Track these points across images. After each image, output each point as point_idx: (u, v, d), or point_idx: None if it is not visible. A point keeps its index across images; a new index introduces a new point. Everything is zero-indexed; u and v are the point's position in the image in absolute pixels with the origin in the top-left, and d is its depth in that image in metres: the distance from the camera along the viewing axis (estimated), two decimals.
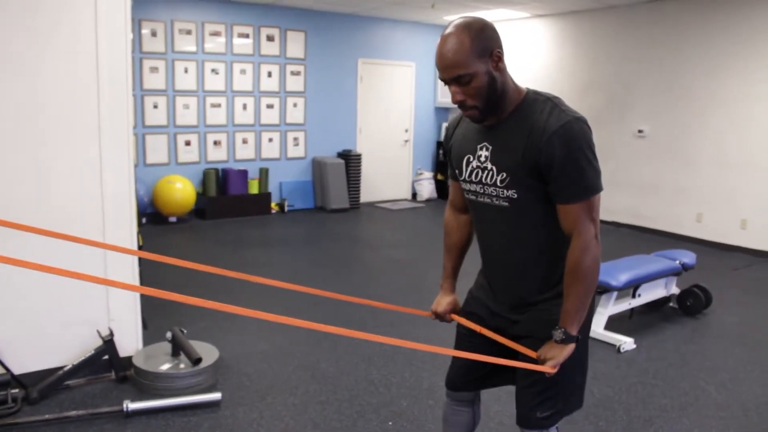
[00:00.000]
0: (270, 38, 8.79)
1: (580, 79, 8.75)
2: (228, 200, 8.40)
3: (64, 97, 3.24)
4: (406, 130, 10.45)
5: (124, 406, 3.13)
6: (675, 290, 5.07)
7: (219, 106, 8.54)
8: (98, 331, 3.47)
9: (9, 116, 3.13)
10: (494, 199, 1.83)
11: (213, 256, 6.38)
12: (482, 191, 1.86)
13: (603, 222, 8.24)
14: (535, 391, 1.90)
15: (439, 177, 10.59)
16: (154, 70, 7.97)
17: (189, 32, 8.14)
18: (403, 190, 10.59)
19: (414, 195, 10.64)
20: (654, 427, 3.23)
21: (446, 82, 1.73)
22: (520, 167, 1.74)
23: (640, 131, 8.05)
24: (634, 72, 8.07)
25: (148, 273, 4.86)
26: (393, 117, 10.26)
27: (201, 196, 8.30)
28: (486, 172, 1.83)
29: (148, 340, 3.80)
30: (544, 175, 1.72)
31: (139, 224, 4.65)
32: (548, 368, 1.78)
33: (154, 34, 7.90)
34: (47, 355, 3.41)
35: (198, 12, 8.18)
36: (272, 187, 9.06)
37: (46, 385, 3.28)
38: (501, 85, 1.73)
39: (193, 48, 8.20)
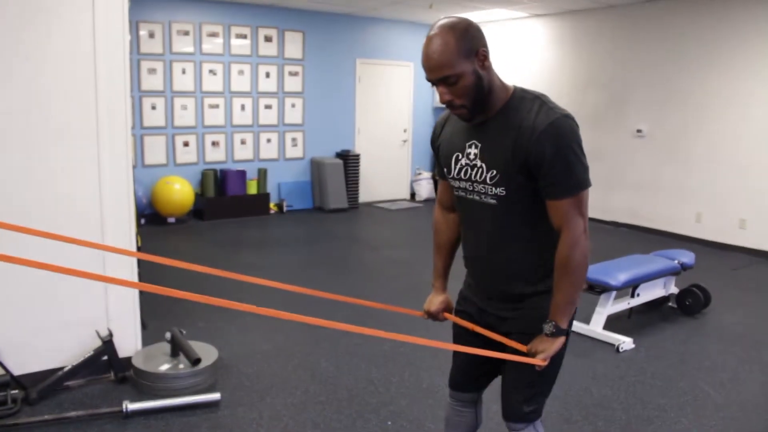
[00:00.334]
0: (268, 39, 8.79)
1: (578, 78, 8.76)
2: (226, 201, 8.40)
3: (62, 99, 3.23)
4: (405, 130, 10.45)
5: (124, 406, 3.13)
6: (674, 290, 5.07)
7: (217, 106, 8.54)
8: (97, 332, 3.47)
9: (7, 118, 3.12)
10: (483, 196, 1.85)
11: (211, 257, 6.38)
12: (471, 188, 1.87)
13: (602, 222, 8.25)
14: (522, 386, 1.94)
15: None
16: (152, 71, 7.97)
17: (187, 33, 8.14)
18: (401, 190, 10.59)
19: (412, 195, 10.65)
20: (653, 427, 3.23)
21: (433, 82, 1.74)
22: (510, 164, 1.75)
23: (638, 131, 8.06)
24: (633, 72, 8.08)
25: (147, 274, 4.86)
26: (391, 117, 10.26)
27: (199, 196, 8.29)
28: (475, 169, 1.84)
29: (147, 340, 3.80)
30: (534, 172, 1.74)
31: (138, 225, 4.65)
32: (539, 361, 1.82)
33: (151, 35, 7.90)
34: (46, 356, 3.40)
35: (195, 13, 8.18)
36: (271, 188, 9.05)
37: (46, 385, 3.27)
38: (488, 84, 1.74)
39: (190, 49, 8.20)
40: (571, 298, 1.81)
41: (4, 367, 3.23)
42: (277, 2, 8.45)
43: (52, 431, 3.00)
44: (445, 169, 1.97)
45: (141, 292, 3.90)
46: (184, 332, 3.76)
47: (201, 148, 8.50)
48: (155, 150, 8.15)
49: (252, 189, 8.68)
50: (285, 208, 9.08)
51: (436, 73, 1.70)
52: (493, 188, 1.81)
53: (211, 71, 8.40)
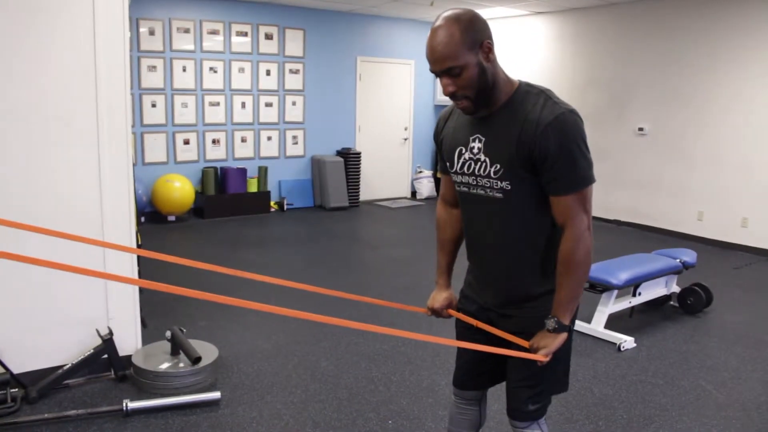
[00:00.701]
0: (268, 36, 8.77)
1: (580, 76, 8.74)
2: (227, 199, 8.39)
3: (62, 97, 3.22)
4: (405, 128, 10.43)
5: (124, 405, 3.12)
6: (675, 289, 5.06)
7: (217, 104, 8.53)
8: (97, 330, 3.46)
9: (7, 115, 3.11)
10: (487, 190, 1.83)
11: (212, 255, 6.37)
12: (475, 183, 1.86)
13: (604, 220, 8.24)
14: (527, 385, 1.94)
15: (439, 175, 10.55)
16: (152, 68, 7.95)
17: (187, 31, 8.12)
18: (402, 188, 10.58)
19: (413, 193, 10.64)
20: (654, 426, 3.22)
21: (437, 74, 1.73)
22: (514, 159, 1.74)
23: (640, 129, 8.04)
24: (635, 70, 8.06)
25: (147, 272, 4.86)
26: (392, 115, 10.25)
27: (200, 194, 8.28)
28: (479, 163, 1.82)
29: (147, 339, 3.80)
30: (538, 167, 1.72)
31: (138, 223, 4.64)
32: (541, 357, 1.81)
33: (152, 32, 7.88)
34: (46, 355, 3.40)
35: (196, 10, 8.16)
36: (271, 186, 9.04)
37: (46, 384, 3.27)
38: (492, 77, 1.73)
39: (191, 46, 8.19)
40: (574, 294, 1.80)
41: (4, 366, 3.22)
42: (277, 0, 8.43)
43: (52, 430, 3.00)
44: (448, 164, 1.95)
45: (141, 291, 3.89)
46: (185, 331, 3.75)
47: (201, 145, 8.49)
48: (155, 148, 8.14)
49: (252, 187, 8.67)
50: (285, 207, 9.07)
51: (440, 64, 1.69)
52: (498, 182, 1.79)
53: (211, 69, 8.38)
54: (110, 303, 3.53)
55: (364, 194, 9.90)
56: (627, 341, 4.25)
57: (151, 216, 7.96)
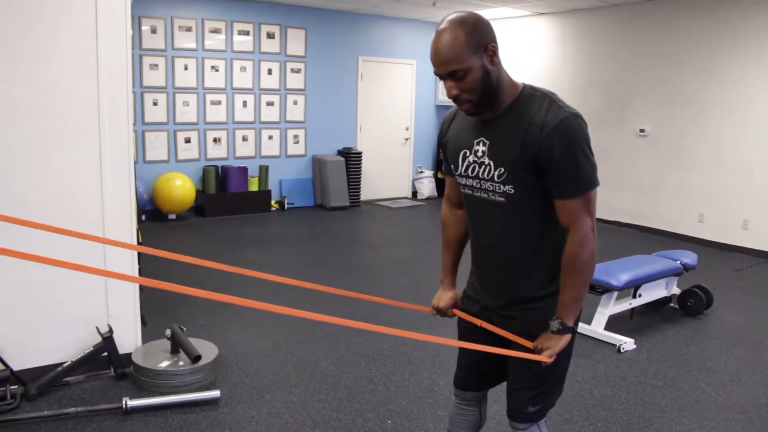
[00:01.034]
0: (270, 35, 8.77)
1: (581, 78, 8.74)
2: (227, 198, 8.39)
3: (64, 95, 3.22)
4: (407, 128, 10.43)
5: (123, 403, 3.12)
6: (676, 290, 5.06)
7: (219, 103, 8.53)
8: (97, 328, 3.46)
9: (9, 113, 3.11)
10: (491, 194, 1.83)
11: (212, 254, 6.37)
12: (479, 186, 1.86)
13: (604, 222, 8.24)
14: (528, 386, 1.94)
15: (440, 175, 10.56)
16: (153, 67, 7.95)
17: (189, 29, 8.13)
18: (403, 188, 10.57)
19: (414, 193, 10.64)
20: (654, 428, 3.22)
21: (441, 77, 1.73)
22: (519, 162, 1.74)
23: (641, 131, 8.04)
24: (636, 71, 8.05)
25: (148, 270, 4.86)
26: (393, 115, 10.25)
27: (200, 193, 8.28)
28: (483, 167, 1.83)
29: (147, 337, 3.80)
30: (543, 171, 1.73)
31: (139, 221, 4.64)
32: (545, 358, 1.81)
33: (153, 30, 7.88)
34: (46, 352, 3.40)
35: (198, 9, 8.17)
36: (272, 185, 9.04)
37: (45, 381, 3.27)
38: (496, 80, 1.73)
39: (193, 45, 8.19)
40: (578, 296, 1.81)
41: (4, 363, 3.22)
42: None
43: (51, 427, 3.00)
44: (453, 166, 1.95)
45: (141, 289, 3.89)
46: (185, 329, 3.75)
47: (202, 144, 8.49)
48: (156, 146, 8.14)
49: (253, 186, 8.67)
50: (286, 206, 9.07)
51: (445, 67, 1.69)
52: (502, 186, 1.79)
53: (213, 67, 8.38)
54: (110, 301, 3.53)
55: (365, 194, 9.90)
56: (627, 343, 4.24)
57: (151, 214, 7.96)
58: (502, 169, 1.78)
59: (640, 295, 4.68)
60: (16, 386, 3.21)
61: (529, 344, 1.88)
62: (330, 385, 3.56)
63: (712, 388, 3.72)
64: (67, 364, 3.35)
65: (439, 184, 10.53)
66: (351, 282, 5.66)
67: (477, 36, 1.67)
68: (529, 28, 9.35)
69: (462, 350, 2.16)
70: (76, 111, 3.26)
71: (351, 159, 9.38)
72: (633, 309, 4.76)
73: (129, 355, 3.56)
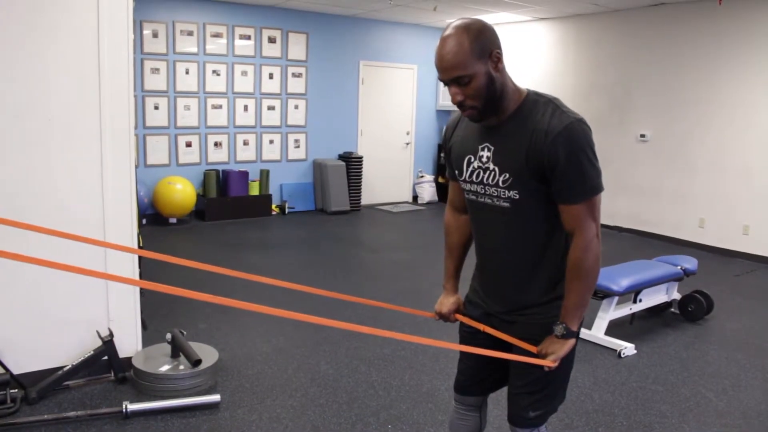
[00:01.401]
0: (271, 40, 8.79)
1: (582, 83, 8.75)
2: (228, 202, 8.39)
3: (66, 98, 3.23)
4: (408, 133, 10.44)
5: (124, 407, 3.12)
6: (676, 296, 5.05)
7: (220, 107, 8.54)
8: (98, 332, 3.46)
9: (11, 116, 3.12)
10: (495, 199, 1.84)
11: (213, 258, 6.37)
12: (483, 191, 1.87)
13: (605, 227, 8.24)
14: (529, 391, 1.94)
15: (440, 180, 10.58)
16: (155, 71, 7.97)
17: (190, 33, 8.14)
18: (404, 192, 10.58)
19: (415, 198, 10.64)
20: None
21: (446, 83, 1.73)
22: (523, 168, 1.75)
23: (642, 136, 8.05)
24: (636, 76, 8.07)
25: (149, 274, 4.86)
26: (394, 119, 10.26)
27: (201, 197, 8.29)
28: (488, 172, 1.83)
29: (147, 341, 3.79)
30: (547, 176, 1.73)
31: (140, 225, 4.64)
32: (549, 362, 1.82)
33: (155, 35, 7.90)
34: (46, 356, 3.40)
35: (199, 13, 8.19)
36: (273, 189, 9.05)
37: (45, 385, 3.27)
38: (500, 86, 1.73)
39: (194, 49, 8.20)
40: (583, 301, 1.82)
41: (4, 366, 3.22)
42: (281, 3, 8.45)
43: (51, 431, 3.00)
44: (457, 172, 1.96)
45: (142, 293, 3.89)
46: (185, 333, 3.75)
47: (203, 148, 8.50)
48: (158, 150, 8.15)
49: (254, 190, 8.68)
50: (287, 210, 9.07)
51: (449, 73, 1.69)
52: (506, 191, 1.80)
53: (214, 72, 8.40)
54: (111, 305, 3.53)
55: (366, 198, 9.90)
56: (627, 348, 4.24)
57: (152, 218, 7.96)
58: (507, 175, 1.78)
59: (640, 300, 4.68)
60: (16, 390, 3.21)
61: (533, 348, 1.88)
62: (330, 390, 3.56)
63: (713, 393, 3.71)
64: (68, 367, 3.34)
65: (440, 189, 10.54)
66: (351, 285, 5.66)
67: (482, 42, 1.68)
68: (530, 34, 9.36)
69: (462, 355, 2.16)
70: (78, 115, 3.27)
71: (352, 163, 9.39)
72: (633, 314, 4.75)
73: (129, 359, 3.56)
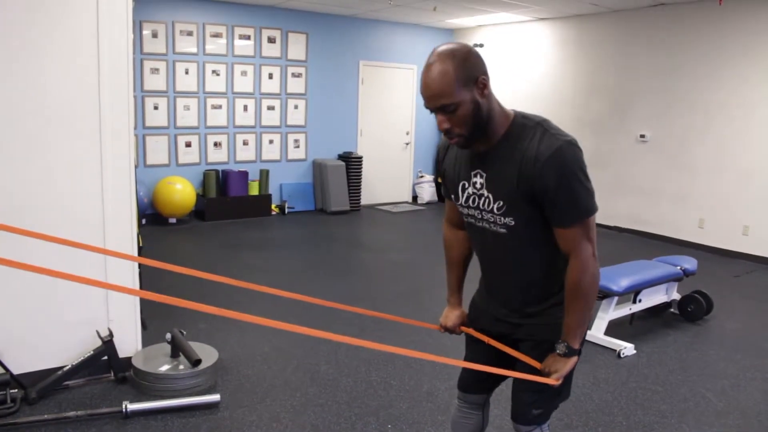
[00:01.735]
0: (271, 40, 8.79)
1: (582, 83, 8.75)
2: (228, 202, 8.39)
3: (65, 98, 3.23)
4: (407, 133, 10.44)
5: (123, 406, 3.12)
6: (676, 296, 5.06)
7: (220, 107, 8.54)
8: (98, 332, 3.47)
9: (10, 117, 3.12)
10: (492, 225, 1.86)
11: (212, 258, 6.38)
12: (480, 216, 1.89)
13: (605, 227, 8.24)
14: (532, 389, 1.96)
15: (440, 180, 10.56)
16: (154, 71, 7.97)
17: (190, 33, 8.14)
18: (403, 192, 10.58)
19: (414, 198, 10.64)
20: None
21: (431, 110, 1.73)
22: (516, 195, 1.76)
23: (641, 136, 8.05)
24: (636, 77, 8.07)
25: (149, 274, 4.86)
26: (394, 119, 10.26)
27: (201, 197, 8.29)
28: (482, 198, 1.85)
29: (147, 341, 3.79)
30: (540, 201, 1.74)
31: (139, 225, 4.64)
32: (552, 381, 1.86)
33: (155, 35, 7.90)
34: (46, 356, 3.40)
35: (199, 13, 8.18)
36: (272, 189, 9.05)
37: (45, 385, 3.27)
38: (487, 112, 1.72)
39: (194, 49, 8.20)
40: (583, 319, 1.84)
41: (4, 366, 3.22)
42: (280, 3, 8.45)
43: (51, 431, 3.00)
44: (453, 196, 1.98)
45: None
46: (185, 333, 3.75)
47: (203, 148, 8.50)
48: (157, 150, 8.15)
49: (254, 190, 8.68)
50: (286, 210, 9.08)
51: (435, 101, 1.68)
52: (502, 218, 1.82)
53: (214, 72, 8.40)
54: (110, 305, 3.53)
55: (366, 198, 9.91)
56: (627, 348, 4.24)
57: (152, 218, 7.96)
58: (501, 202, 1.80)
59: (640, 301, 4.68)
60: (16, 390, 3.21)
61: (536, 364, 1.92)
62: (330, 390, 3.56)
63: (712, 393, 3.71)
64: (68, 367, 3.35)
65: (440, 189, 10.50)
66: (351, 286, 5.66)
67: (467, 69, 1.66)
68: (530, 34, 9.36)
69: (467, 353, 2.20)
70: (78, 115, 3.27)
71: (351, 163, 9.39)
72: (633, 314, 4.75)
73: (129, 359, 3.56)
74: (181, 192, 7.77)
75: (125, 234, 3.47)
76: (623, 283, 4.37)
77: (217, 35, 8.35)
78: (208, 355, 3.63)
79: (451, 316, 2.18)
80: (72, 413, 3.09)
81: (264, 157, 9.01)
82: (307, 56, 9.12)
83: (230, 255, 6.55)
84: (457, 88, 1.65)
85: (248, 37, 8.60)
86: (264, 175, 8.74)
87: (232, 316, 1.55)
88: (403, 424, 3.20)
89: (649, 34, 7.87)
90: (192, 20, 8.14)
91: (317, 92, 9.31)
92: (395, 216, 9.44)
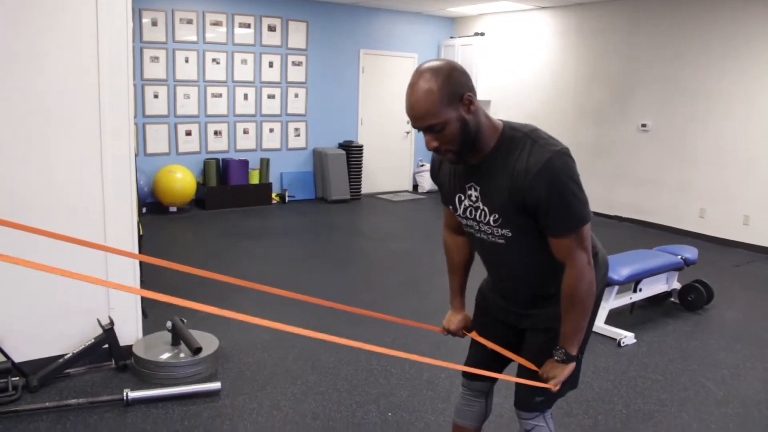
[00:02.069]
0: (271, 28, 8.75)
1: (583, 72, 8.71)
2: (228, 190, 8.39)
3: (64, 87, 3.22)
4: (408, 122, 10.40)
5: (124, 394, 3.13)
6: (676, 285, 5.06)
7: (220, 96, 8.51)
8: (98, 320, 3.47)
9: (9, 106, 3.11)
10: (490, 236, 1.88)
11: (213, 247, 6.38)
12: (478, 228, 1.90)
13: (605, 216, 8.23)
14: (534, 376, 1.98)
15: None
16: (154, 59, 7.94)
17: (190, 22, 8.10)
18: (404, 181, 10.57)
19: (415, 187, 10.63)
20: (653, 422, 3.23)
21: (419, 130, 1.72)
22: (510, 208, 1.76)
23: (643, 125, 8.02)
24: (638, 66, 8.03)
25: (149, 267, 4.85)
26: (395, 108, 10.21)
27: (201, 186, 8.28)
28: (479, 211, 1.86)
29: (148, 329, 3.80)
30: (533, 213, 1.74)
31: (140, 214, 4.64)
32: (551, 386, 1.89)
33: (154, 23, 7.86)
34: (47, 344, 3.41)
35: (199, 1, 8.14)
36: (273, 178, 9.04)
37: (47, 373, 3.28)
38: (475, 128, 1.71)
39: (193, 38, 8.17)
40: (579, 326, 1.86)
41: (5, 354, 3.23)
42: None
43: (52, 418, 3.01)
44: (451, 207, 1.98)
45: (142, 280, 3.89)
46: (185, 321, 3.76)
47: (203, 137, 8.49)
48: (157, 139, 8.13)
49: (254, 179, 8.67)
50: (287, 199, 9.07)
51: (421, 122, 1.67)
52: (499, 230, 1.83)
53: (214, 60, 8.37)
54: (111, 293, 3.53)
55: (366, 187, 9.89)
56: (627, 337, 4.25)
57: (152, 207, 7.96)
58: (497, 215, 1.81)
59: (640, 290, 4.68)
60: (17, 378, 3.22)
61: (534, 367, 1.96)
62: (330, 378, 3.57)
63: (712, 382, 3.72)
64: (69, 355, 3.35)
65: None
66: (351, 275, 5.66)
67: (451, 87, 1.63)
68: (532, 23, 9.31)
69: (473, 342, 2.21)
70: (77, 104, 3.25)
71: (352, 152, 9.37)
72: (633, 303, 4.76)
73: (130, 347, 3.57)
74: (182, 181, 7.77)
75: (126, 223, 3.47)
76: (624, 272, 4.37)
77: (217, 23, 8.31)
78: (209, 343, 3.64)
79: (454, 319, 2.21)
80: (73, 401, 3.10)
81: (264, 146, 9.00)
82: (308, 45, 9.08)
83: (231, 243, 6.55)
84: (443, 107, 1.63)
85: (248, 26, 8.56)
86: (264, 164, 8.73)
87: (232, 317, 1.55)
88: (404, 412, 3.21)
89: (651, 23, 7.83)
90: (192, 8, 8.09)
91: (318, 81, 9.28)
92: (396, 205, 9.43)
